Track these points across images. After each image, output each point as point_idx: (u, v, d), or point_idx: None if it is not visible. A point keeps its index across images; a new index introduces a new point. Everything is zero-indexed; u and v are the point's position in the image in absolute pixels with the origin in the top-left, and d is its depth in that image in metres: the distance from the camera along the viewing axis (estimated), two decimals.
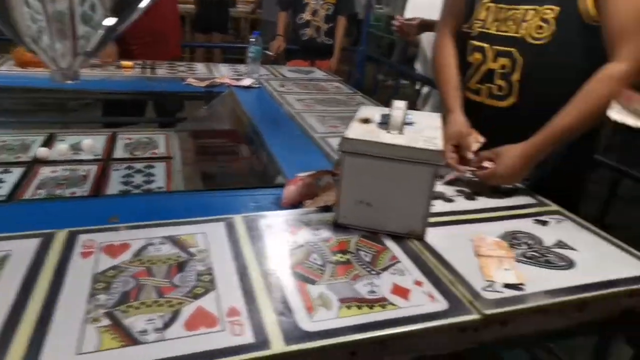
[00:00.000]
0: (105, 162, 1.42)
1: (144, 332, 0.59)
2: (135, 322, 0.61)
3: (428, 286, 0.70)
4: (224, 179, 1.44)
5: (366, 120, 0.88)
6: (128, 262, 0.72)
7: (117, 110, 2.24)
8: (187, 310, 0.63)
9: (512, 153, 1.00)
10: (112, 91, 1.77)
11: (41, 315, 0.59)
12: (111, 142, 1.58)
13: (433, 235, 0.84)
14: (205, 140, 1.66)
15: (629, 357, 0.81)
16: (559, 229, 0.90)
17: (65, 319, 0.59)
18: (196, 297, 0.65)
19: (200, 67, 2.14)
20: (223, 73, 2.05)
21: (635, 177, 1.50)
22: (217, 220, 0.85)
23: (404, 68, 3.46)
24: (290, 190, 0.97)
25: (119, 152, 1.52)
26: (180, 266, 0.72)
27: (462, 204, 0.99)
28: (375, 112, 0.92)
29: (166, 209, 0.93)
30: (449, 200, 1.00)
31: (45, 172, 1.27)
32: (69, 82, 0.79)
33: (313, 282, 0.70)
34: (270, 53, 2.82)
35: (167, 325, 0.60)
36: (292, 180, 0.98)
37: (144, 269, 0.71)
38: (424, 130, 0.86)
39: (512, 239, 0.85)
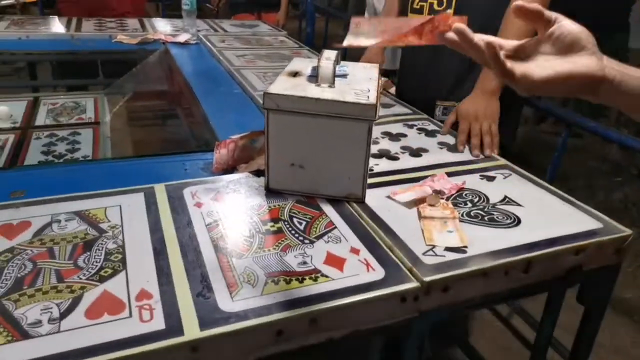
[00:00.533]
0: (24, 130, 1.29)
1: (37, 323, 0.51)
2: (28, 312, 0.52)
3: (365, 253, 0.65)
4: (155, 144, 1.33)
5: (295, 74, 0.80)
6: (27, 243, 0.63)
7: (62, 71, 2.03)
8: (91, 295, 0.55)
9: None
10: (30, 51, 1.60)
11: None
12: (32, 109, 1.44)
13: (374, 197, 0.78)
14: (137, 103, 1.53)
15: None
16: (506, 184, 0.86)
17: None
18: (102, 280, 0.58)
19: (132, 23, 1.97)
20: (158, 29, 1.90)
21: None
22: (135, 190, 0.77)
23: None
24: (221, 155, 0.89)
25: (41, 119, 1.39)
26: (87, 245, 0.63)
27: (406, 161, 0.93)
28: (307, 64, 0.84)
29: (84, 180, 0.83)
30: (393, 157, 0.94)
31: None
32: None
33: (239, 256, 0.63)
34: (211, 6, 2.65)
35: (64, 315, 0.52)
36: (223, 143, 0.89)
37: (45, 250, 0.62)
38: (358, 82, 0.78)
39: (457, 196, 0.81)
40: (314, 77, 0.78)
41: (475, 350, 1.41)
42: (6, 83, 2.55)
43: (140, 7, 2.33)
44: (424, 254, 0.65)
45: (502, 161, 0.95)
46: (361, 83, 0.78)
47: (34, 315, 0.52)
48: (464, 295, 0.64)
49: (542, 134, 3.24)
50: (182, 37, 1.75)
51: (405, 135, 1.04)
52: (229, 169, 0.90)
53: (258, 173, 0.84)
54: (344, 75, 0.81)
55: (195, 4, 1.71)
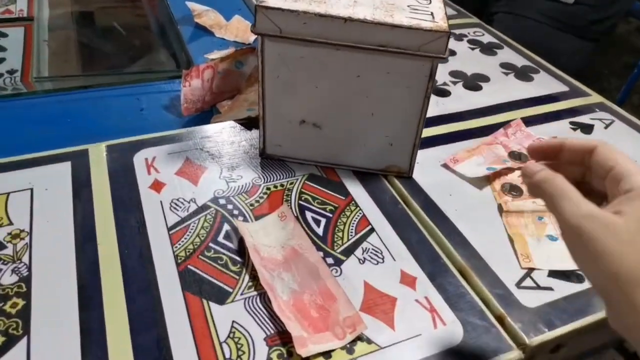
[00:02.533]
0: None
1: None
2: None
3: (425, 286, 0.40)
4: (111, 53, 1.00)
5: None
6: None
7: None
8: None
9: None
10: None
11: None
12: None
13: (423, 166, 0.52)
14: None
15: None
16: (611, 140, 0.59)
17: None
18: None
19: None
20: None
21: None
22: (59, 157, 0.49)
23: None
24: (192, 88, 0.60)
25: None
26: None
27: (460, 97, 0.65)
28: None
29: None
30: (441, 92, 0.65)
31: None
32: None
33: (221, 300, 0.38)
34: None
35: None
36: (195, 70, 0.60)
37: None
38: None
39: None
40: None
41: None
42: None
43: None
44: (518, 285, 0.41)
45: (595, 97, 0.67)
46: None
47: None
48: (580, 350, 0.42)
49: None
50: None
51: (453, 54, 0.74)
52: (206, 107, 0.62)
53: (249, 123, 0.57)
54: None
55: None
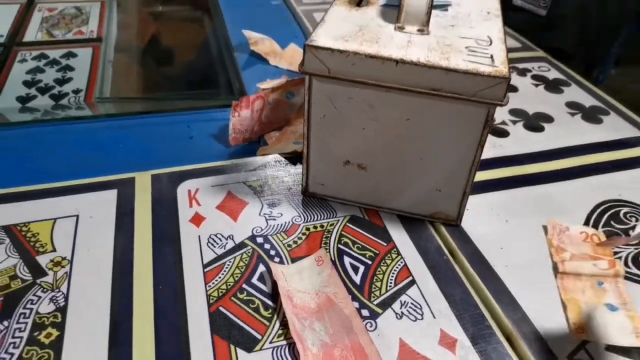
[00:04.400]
0: (7, 48, 1.02)
1: None
2: None
3: (467, 351, 0.37)
4: (169, 75, 1.04)
5: (360, 1, 0.47)
6: None
7: None
8: None
9: None
10: None
11: None
12: (23, 16, 1.15)
13: (473, 213, 0.49)
14: (156, 10, 1.21)
15: None
16: None
17: None
18: None
19: None
20: None
21: None
22: (106, 185, 0.50)
23: None
24: (242, 118, 0.60)
25: (31, 33, 1.11)
26: (9, 304, 0.39)
27: (520, 138, 0.61)
28: None
29: (34, 155, 0.57)
30: (499, 131, 0.62)
31: None
32: None
33: (250, 348, 0.37)
34: None
35: None
36: (245, 101, 0.60)
37: None
38: (471, 20, 0.45)
39: (611, 219, 0.50)
40: (393, 9, 0.45)
41: None
42: None
43: None
44: (570, 357, 0.37)
45: None
46: (475, 24, 0.45)
47: None
48: None
49: None
50: None
51: (515, 90, 0.70)
52: (254, 137, 0.62)
53: (295, 158, 0.56)
54: (445, 7, 0.47)
55: None
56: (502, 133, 0.61)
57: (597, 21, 1.04)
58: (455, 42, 0.42)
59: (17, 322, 0.38)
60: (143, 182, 0.51)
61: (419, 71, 0.39)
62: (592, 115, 0.65)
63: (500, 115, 0.65)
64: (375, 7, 0.47)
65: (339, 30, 0.42)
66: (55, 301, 0.39)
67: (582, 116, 0.65)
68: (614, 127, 0.63)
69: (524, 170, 0.56)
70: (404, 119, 0.42)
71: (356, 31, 0.42)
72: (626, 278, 0.43)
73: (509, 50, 0.81)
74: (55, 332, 0.37)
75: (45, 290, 0.40)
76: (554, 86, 0.72)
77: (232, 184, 0.51)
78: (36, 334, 0.37)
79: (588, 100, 0.69)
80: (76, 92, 0.91)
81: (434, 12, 0.45)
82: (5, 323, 0.37)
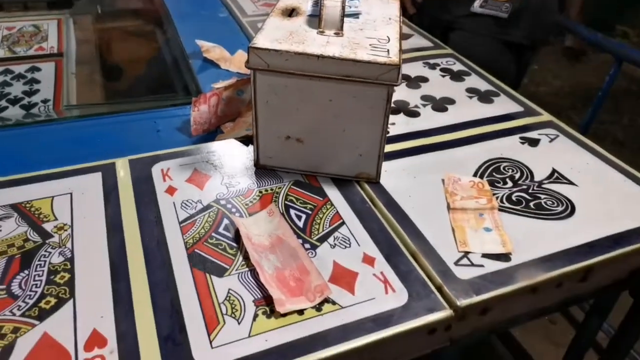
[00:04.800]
0: None
1: None
2: None
3: (382, 264, 0.51)
4: (131, 83, 1.14)
5: (292, 12, 0.61)
6: None
7: None
8: (26, 342, 0.42)
9: None
10: None
11: None
12: None
13: (391, 175, 0.63)
14: (110, 25, 1.31)
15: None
16: (553, 151, 0.70)
17: None
18: (42, 316, 0.44)
19: None
20: None
21: None
22: (92, 169, 0.61)
23: None
24: (201, 112, 0.72)
25: None
26: (26, 259, 0.49)
27: (429, 117, 0.76)
28: None
29: (27, 152, 0.67)
30: (412, 112, 0.77)
31: None
32: None
33: (220, 273, 0.49)
34: None
35: None
36: (203, 97, 0.72)
37: None
38: (375, 26, 0.59)
39: (493, 171, 0.65)
40: (316, 18, 0.59)
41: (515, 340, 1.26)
42: None
43: None
44: (456, 263, 0.51)
45: (546, 116, 0.78)
46: (378, 28, 0.59)
47: None
48: (506, 315, 0.52)
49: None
50: None
51: (426, 80, 0.86)
52: (212, 128, 0.74)
53: (247, 140, 0.68)
54: (356, 15, 0.61)
55: None
56: (415, 114, 0.76)
57: None
58: (362, 41, 0.56)
59: (35, 270, 0.48)
60: (123, 166, 0.62)
61: (335, 63, 0.53)
62: (486, 97, 0.81)
63: (413, 100, 0.79)
64: (302, 17, 0.60)
65: (275, 35, 0.55)
66: (63, 254, 0.50)
67: (478, 98, 0.81)
68: (501, 106, 0.79)
69: (431, 141, 0.70)
70: (327, 100, 0.56)
71: (287, 35, 0.55)
72: (500, 210, 0.58)
73: (424, 48, 0.97)
74: (67, 275, 0.48)
75: (54, 247, 0.51)
76: (457, 76, 0.88)
77: (197, 163, 0.63)
78: (52, 277, 0.47)
79: (484, 86, 0.85)
80: (45, 101, 1.01)
81: (347, 19, 0.59)
82: (26, 271, 0.48)
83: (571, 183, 0.63)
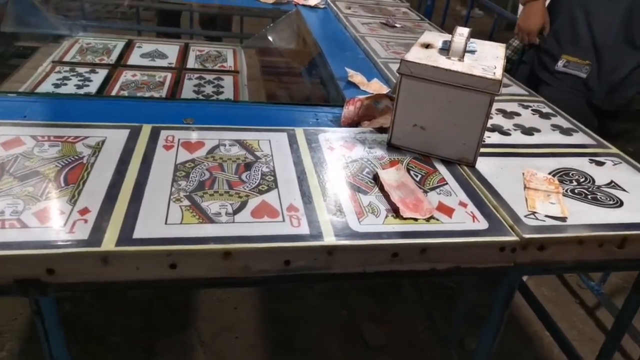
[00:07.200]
0: (179, 70, 1.51)
1: (218, 214, 0.68)
2: (210, 205, 0.70)
3: (472, 208, 0.75)
4: (285, 96, 1.50)
5: (427, 46, 0.90)
6: (203, 157, 0.81)
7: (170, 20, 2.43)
8: (253, 202, 0.72)
9: None
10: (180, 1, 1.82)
11: (134, 192, 0.70)
12: (183, 53, 1.66)
13: (484, 164, 0.87)
14: (270, 58, 1.70)
15: None
16: (614, 170, 0.91)
17: (154, 197, 0.69)
18: (261, 192, 0.74)
19: None
20: None
21: None
22: (280, 130, 0.92)
23: None
24: (349, 110, 1.02)
25: (190, 63, 1.61)
26: (247, 166, 0.80)
27: (518, 137, 1.00)
28: (438, 38, 0.93)
29: (234, 117, 1.01)
30: (505, 133, 1.01)
31: (127, 75, 1.37)
32: None
33: (365, 193, 0.76)
34: None
35: (236, 212, 0.69)
36: (351, 101, 1.02)
37: (217, 164, 0.80)
38: (486, 59, 0.87)
39: (563, 175, 0.87)
40: (445, 50, 0.87)
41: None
42: (155, 28, 2.83)
43: None
44: (525, 216, 0.74)
45: (614, 149, 0.99)
46: (488, 60, 0.86)
47: (215, 208, 0.69)
48: (558, 257, 0.73)
49: None
50: (312, 1, 1.88)
51: (519, 114, 1.10)
52: (353, 124, 1.03)
53: (380, 130, 0.97)
54: (473, 52, 0.89)
55: None
56: (506, 134, 1.01)
57: None
58: (476, 66, 0.83)
59: (254, 172, 0.78)
60: (299, 132, 0.92)
61: (457, 75, 0.80)
62: (566, 131, 1.04)
63: (507, 125, 1.04)
64: (435, 49, 0.89)
65: (417, 55, 0.84)
66: (268, 167, 0.80)
67: (559, 132, 1.04)
68: (578, 139, 1.02)
69: (517, 150, 0.94)
70: (447, 101, 0.83)
71: (426, 57, 0.84)
72: (563, 196, 0.80)
73: (520, 94, 1.22)
74: (272, 177, 0.77)
75: (262, 163, 0.81)
76: (545, 115, 1.11)
77: (348, 137, 0.92)
78: (264, 177, 0.77)
79: (566, 124, 1.07)
80: (228, 100, 1.38)
81: (467, 53, 0.87)
82: (248, 172, 0.78)
83: (624, 190, 0.84)
